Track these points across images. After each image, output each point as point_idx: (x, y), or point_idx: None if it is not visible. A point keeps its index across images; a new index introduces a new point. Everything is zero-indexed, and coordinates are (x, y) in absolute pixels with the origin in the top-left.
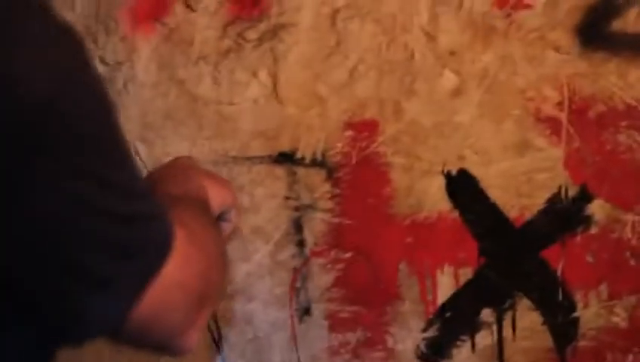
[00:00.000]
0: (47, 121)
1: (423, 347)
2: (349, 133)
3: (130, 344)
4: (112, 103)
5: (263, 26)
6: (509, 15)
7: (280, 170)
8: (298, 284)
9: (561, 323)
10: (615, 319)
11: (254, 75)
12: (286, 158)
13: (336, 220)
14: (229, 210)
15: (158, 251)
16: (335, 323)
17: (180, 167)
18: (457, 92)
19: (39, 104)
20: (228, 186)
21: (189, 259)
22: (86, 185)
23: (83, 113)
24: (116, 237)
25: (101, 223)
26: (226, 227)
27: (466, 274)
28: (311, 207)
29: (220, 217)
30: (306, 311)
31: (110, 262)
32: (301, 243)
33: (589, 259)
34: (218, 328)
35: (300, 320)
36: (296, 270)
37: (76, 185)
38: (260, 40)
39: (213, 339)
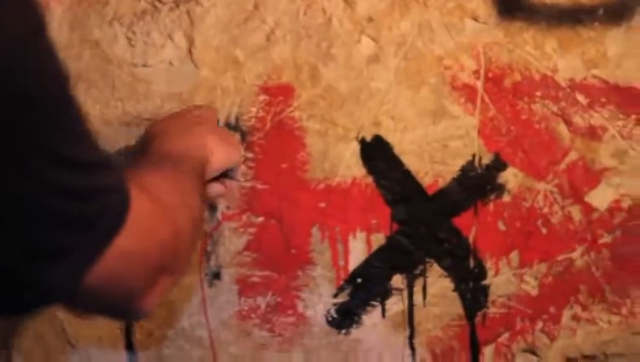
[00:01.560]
0: (2, 88)
1: (333, 312)
2: (264, 97)
3: (84, 310)
4: (67, 73)
5: None
6: None
7: None
8: (209, 248)
9: (472, 290)
10: (525, 286)
11: (170, 37)
12: None
13: (248, 184)
14: (235, 168)
15: (112, 222)
16: (245, 288)
17: (188, 120)
18: (374, 58)
19: None
20: (235, 144)
21: (150, 230)
22: (37, 158)
23: (34, 82)
24: (69, 211)
25: (54, 197)
26: (231, 185)
27: (379, 239)
28: None
29: (226, 174)
30: (216, 276)
31: (63, 235)
32: (212, 207)
33: (501, 226)
34: None
35: (210, 284)
36: (207, 234)
37: (27, 158)
38: (177, 2)
39: None
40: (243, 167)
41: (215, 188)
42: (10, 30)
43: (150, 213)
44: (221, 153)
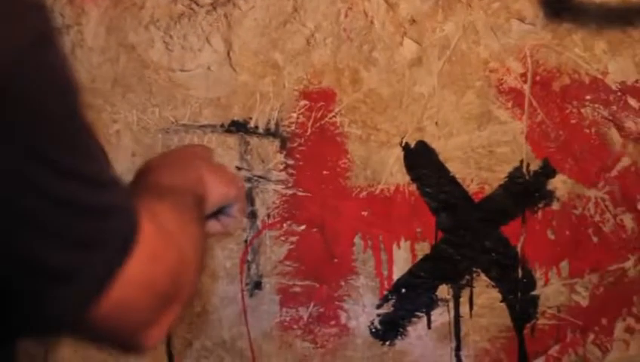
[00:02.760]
0: (2, 99)
1: (377, 323)
2: (305, 102)
3: (89, 339)
4: (77, 87)
5: None
6: None
7: (232, 140)
8: (249, 257)
9: (520, 301)
10: (576, 297)
11: (207, 41)
12: (239, 127)
13: (289, 192)
14: (231, 205)
15: (122, 244)
16: (287, 298)
17: (186, 155)
18: (417, 62)
19: None
20: (232, 181)
21: (156, 257)
22: (44, 172)
23: (34, 93)
24: (77, 229)
25: (61, 213)
26: (226, 221)
27: (423, 249)
28: (263, 177)
29: (221, 211)
30: (257, 285)
31: (70, 255)
32: (253, 215)
33: (550, 235)
34: None
35: (251, 294)
36: (247, 243)
37: (33, 172)
38: (214, 5)
39: None
40: (282, 174)
41: (211, 225)
42: (22, 40)
43: (157, 239)
44: (218, 189)
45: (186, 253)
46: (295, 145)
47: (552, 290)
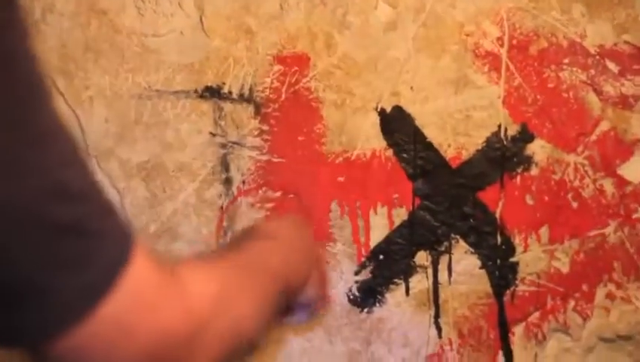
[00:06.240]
0: None
1: (355, 290)
2: (279, 67)
3: None
4: (47, 88)
5: None
6: None
7: (206, 105)
8: (225, 224)
9: (500, 267)
10: (556, 264)
11: (180, 5)
12: (212, 93)
13: (264, 158)
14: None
15: (105, 271)
16: None
17: (309, 246)
18: (392, 25)
19: None
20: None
21: (147, 302)
22: (4, 180)
23: (5, 83)
24: (47, 246)
25: (29, 228)
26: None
27: (401, 215)
28: (238, 143)
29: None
30: None
31: (40, 274)
32: (228, 182)
33: (529, 201)
34: None
35: None
36: (222, 209)
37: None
38: None
39: None
40: (257, 140)
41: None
42: None
43: (156, 287)
44: (310, 288)
45: (210, 321)
46: (269, 110)
47: (531, 257)
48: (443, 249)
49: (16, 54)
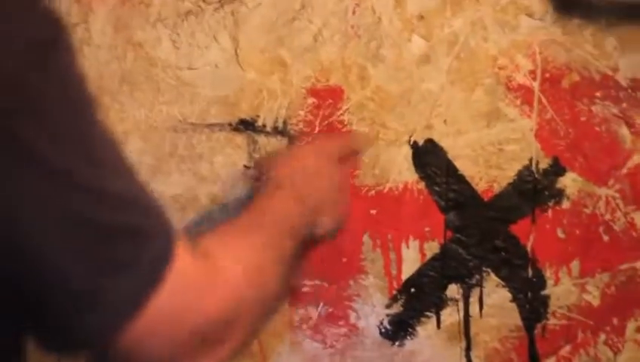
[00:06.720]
0: (18, 98)
1: (386, 323)
2: (312, 100)
3: None
4: (91, 97)
5: None
6: None
7: (240, 138)
8: None
9: (531, 301)
10: (587, 297)
11: (215, 38)
12: (246, 126)
13: None
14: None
15: (151, 270)
16: (296, 298)
17: (312, 175)
18: (426, 58)
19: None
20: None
21: (192, 290)
22: (60, 187)
23: (38, 96)
24: (99, 251)
25: (82, 233)
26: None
27: (432, 248)
28: None
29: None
30: None
31: (94, 278)
32: None
33: (560, 234)
34: None
35: None
36: None
37: (49, 186)
38: (221, 2)
39: None
40: None
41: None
42: (15, 41)
43: (197, 272)
44: (329, 221)
45: (244, 294)
46: (303, 143)
47: (562, 290)
48: (474, 282)
49: (68, 70)
